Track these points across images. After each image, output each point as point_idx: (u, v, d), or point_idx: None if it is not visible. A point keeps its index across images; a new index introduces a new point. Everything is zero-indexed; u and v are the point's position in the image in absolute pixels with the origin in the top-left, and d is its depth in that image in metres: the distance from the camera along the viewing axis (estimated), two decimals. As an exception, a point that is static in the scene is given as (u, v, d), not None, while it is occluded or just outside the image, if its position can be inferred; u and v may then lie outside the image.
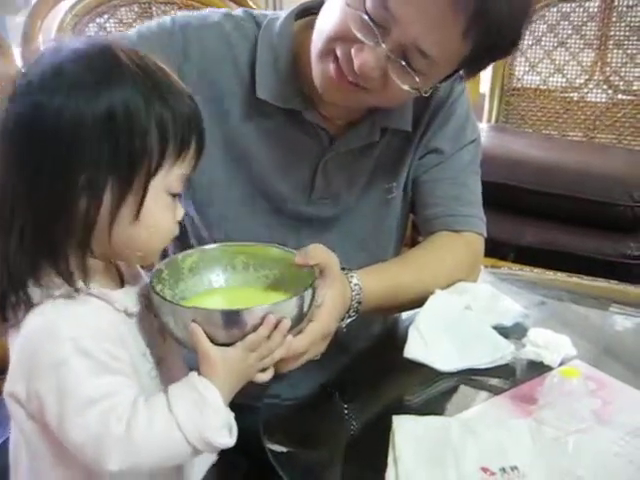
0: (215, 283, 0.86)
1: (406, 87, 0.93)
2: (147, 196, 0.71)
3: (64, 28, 1.76)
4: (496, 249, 1.44)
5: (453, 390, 0.95)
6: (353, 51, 0.91)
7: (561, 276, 1.60)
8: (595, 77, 2.62)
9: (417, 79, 0.92)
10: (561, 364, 0.96)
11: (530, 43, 2.67)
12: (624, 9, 2.57)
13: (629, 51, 2.57)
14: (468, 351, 0.97)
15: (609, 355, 1.06)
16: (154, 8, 1.93)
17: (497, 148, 2.29)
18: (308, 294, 0.77)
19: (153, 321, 0.78)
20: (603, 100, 2.62)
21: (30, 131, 0.68)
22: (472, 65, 0.97)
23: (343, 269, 0.94)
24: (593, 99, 2.63)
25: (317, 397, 0.95)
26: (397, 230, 1.20)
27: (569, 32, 2.64)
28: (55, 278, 0.70)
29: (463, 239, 1.14)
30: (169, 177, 0.72)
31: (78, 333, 0.68)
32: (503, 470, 0.75)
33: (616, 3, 2.57)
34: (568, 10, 2.63)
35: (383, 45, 0.89)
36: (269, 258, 0.86)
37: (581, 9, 2.62)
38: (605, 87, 2.61)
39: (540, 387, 0.87)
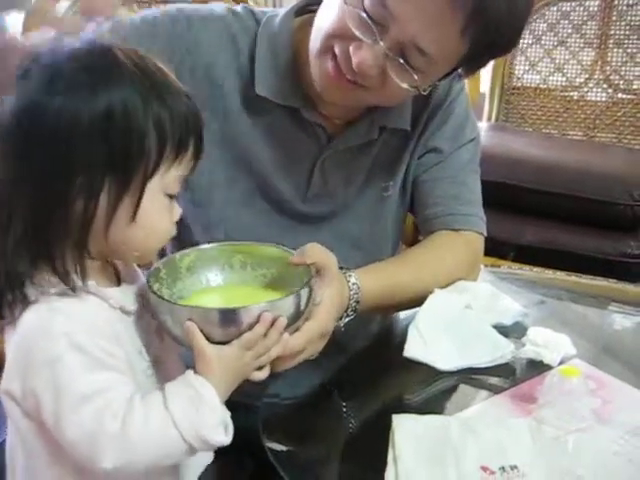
0: (213, 282, 0.86)
1: (405, 85, 0.93)
2: (144, 197, 0.70)
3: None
4: (496, 248, 1.44)
5: (453, 389, 0.95)
6: (351, 49, 0.91)
7: (560, 275, 1.60)
8: (595, 76, 2.62)
9: (416, 77, 0.92)
10: (561, 363, 0.96)
11: (530, 42, 2.67)
12: (624, 8, 2.57)
13: (629, 50, 2.57)
14: (468, 350, 0.97)
15: (608, 354, 1.05)
16: (153, 7, 1.93)
17: (497, 147, 2.29)
18: (304, 292, 0.77)
19: (150, 320, 0.78)
20: (603, 99, 2.62)
21: (28, 131, 0.68)
22: (471, 63, 0.97)
23: (341, 268, 0.94)
24: (593, 98, 2.63)
25: (317, 396, 0.95)
26: (393, 229, 1.20)
27: (569, 31, 2.64)
28: (51, 277, 0.70)
29: (463, 238, 1.14)
30: (166, 178, 0.72)
31: (72, 328, 0.68)
32: (503, 469, 0.75)
33: (616, 2, 2.58)
34: (568, 9, 2.63)
35: (381, 43, 0.89)
36: (266, 257, 0.86)
37: (581, 8, 2.62)
38: (605, 86, 2.61)
39: (540, 386, 0.87)
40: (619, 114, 2.59)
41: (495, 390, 0.92)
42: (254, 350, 0.73)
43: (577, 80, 2.64)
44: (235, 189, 1.07)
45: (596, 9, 2.60)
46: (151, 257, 0.79)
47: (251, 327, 0.72)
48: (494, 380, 0.95)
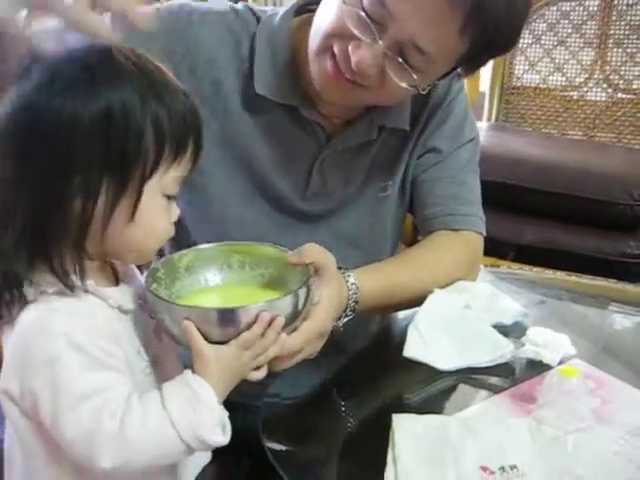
0: (211, 282, 0.86)
1: (404, 84, 0.93)
2: (142, 198, 0.70)
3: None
4: (495, 248, 1.44)
5: (452, 389, 0.94)
6: (350, 48, 0.91)
7: (560, 275, 1.61)
8: (595, 76, 2.62)
9: (415, 76, 0.92)
10: (560, 363, 0.95)
11: (530, 42, 2.67)
12: (624, 8, 2.57)
13: (629, 50, 2.58)
14: (467, 350, 0.97)
15: (608, 354, 1.05)
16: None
17: (497, 147, 2.30)
18: (302, 292, 0.77)
19: (148, 320, 0.78)
20: (603, 99, 2.62)
21: (27, 131, 0.68)
22: (470, 62, 0.97)
23: (340, 268, 0.94)
24: (593, 98, 2.63)
25: (316, 396, 0.95)
26: (392, 229, 1.20)
27: (569, 31, 2.64)
28: (50, 276, 0.70)
29: (462, 238, 1.14)
30: (165, 180, 0.72)
31: (71, 328, 0.68)
32: (502, 469, 0.75)
33: (616, 2, 2.58)
34: (568, 9, 2.63)
35: (380, 42, 0.89)
36: (265, 257, 0.86)
37: (581, 8, 2.62)
38: (605, 86, 2.61)
39: (539, 386, 0.87)
40: (619, 114, 2.59)
41: (495, 390, 0.92)
42: (252, 350, 0.73)
43: (577, 80, 2.64)
44: (235, 188, 1.07)
45: (596, 9, 2.60)
46: (149, 257, 0.79)
47: (249, 327, 0.72)
48: (494, 380, 0.95)
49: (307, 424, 0.89)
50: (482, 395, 0.92)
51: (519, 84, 2.71)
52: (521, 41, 2.63)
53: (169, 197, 0.74)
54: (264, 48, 1.03)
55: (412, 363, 0.96)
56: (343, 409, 0.93)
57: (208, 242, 0.88)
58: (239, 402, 0.76)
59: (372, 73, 0.92)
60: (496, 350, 0.97)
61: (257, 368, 0.76)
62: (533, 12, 2.60)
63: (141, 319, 0.77)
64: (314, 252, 0.85)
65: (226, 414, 0.71)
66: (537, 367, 0.95)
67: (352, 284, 0.96)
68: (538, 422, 0.82)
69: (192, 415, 0.68)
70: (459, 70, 1.00)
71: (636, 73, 2.57)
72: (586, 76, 2.63)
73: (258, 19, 1.06)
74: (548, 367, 0.94)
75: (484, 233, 1.17)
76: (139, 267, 0.83)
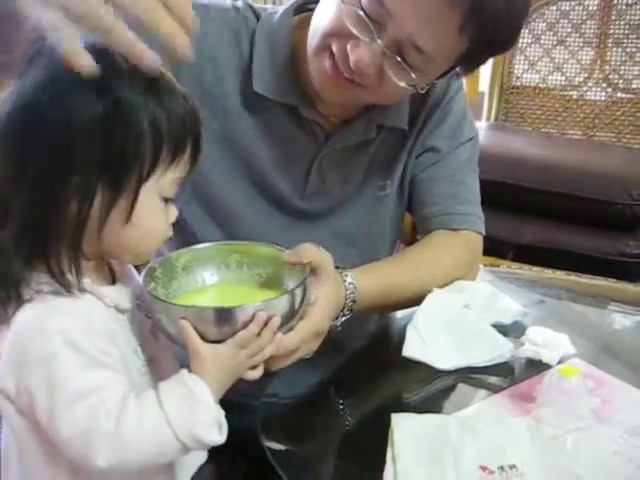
0: (209, 281, 0.85)
1: (402, 84, 0.92)
2: (139, 200, 0.70)
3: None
4: (495, 247, 1.44)
5: (452, 388, 0.94)
6: (349, 47, 0.90)
7: (560, 274, 1.61)
8: (594, 75, 2.62)
9: (413, 75, 0.92)
10: (560, 362, 0.95)
11: (529, 41, 2.67)
12: (623, 7, 2.57)
13: (628, 49, 2.58)
14: (467, 349, 0.97)
15: (608, 353, 1.05)
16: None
17: (496, 146, 2.30)
18: (299, 292, 0.77)
19: (145, 319, 0.78)
20: (602, 98, 2.62)
21: (25, 131, 0.68)
22: (469, 61, 0.97)
23: (337, 268, 0.94)
24: (592, 97, 2.63)
25: (315, 395, 0.95)
26: (390, 228, 1.20)
27: (568, 30, 2.64)
28: (46, 276, 0.70)
29: (461, 237, 1.14)
30: (162, 181, 0.72)
31: (67, 326, 0.68)
32: (502, 469, 0.75)
33: (615, 1, 2.58)
34: (567, 8, 2.63)
35: (379, 41, 0.89)
36: (262, 257, 0.86)
37: (580, 7, 2.62)
38: (604, 85, 2.61)
39: (539, 385, 0.87)
40: (618, 113, 2.59)
41: (494, 389, 0.91)
42: (248, 349, 0.73)
43: (576, 79, 2.64)
44: (235, 188, 1.07)
45: (595, 8, 2.60)
46: (147, 258, 0.79)
47: (245, 326, 0.72)
48: (493, 379, 0.95)
49: (306, 423, 0.88)
50: (481, 394, 0.92)
51: (518, 84, 2.71)
52: (520, 40, 2.63)
53: (166, 199, 0.74)
54: (263, 46, 1.03)
55: (411, 362, 0.95)
56: (342, 408, 0.93)
57: (208, 241, 0.88)
58: (237, 401, 0.76)
59: (371, 72, 0.91)
60: (495, 349, 0.97)
61: (253, 367, 0.76)
62: (532, 11, 2.60)
63: (138, 318, 0.77)
64: (311, 252, 0.85)
65: (222, 413, 0.71)
66: (536, 366, 0.94)
67: (350, 283, 0.96)
68: (537, 421, 0.82)
69: (188, 414, 0.68)
70: (458, 69, 0.99)
71: (635, 73, 2.57)
72: (585, 76, 2.63)
73: (258, 17, 1.05)
74: (547, 366, 0.94)
75: (483, 232, 1.17)
76: (137, 266, 0.83)
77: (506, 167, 2.17)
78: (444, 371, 0.94)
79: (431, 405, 0.90)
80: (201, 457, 0.83)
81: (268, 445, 0.81)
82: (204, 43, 1.01)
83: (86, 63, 0.63)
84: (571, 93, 2.66)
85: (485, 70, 2.64)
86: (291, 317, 0.77)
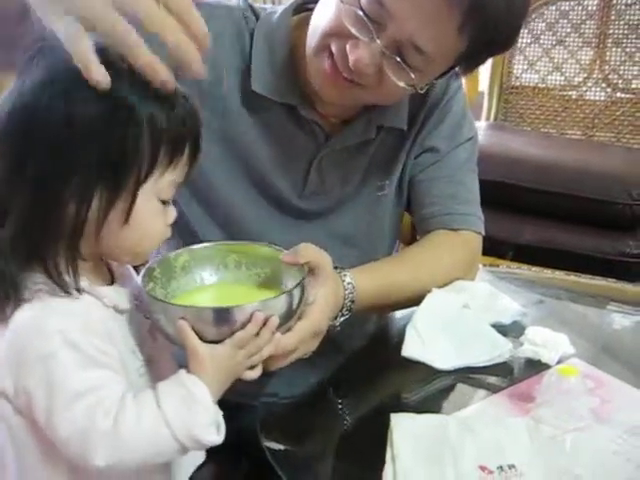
0: (207, 281, 0.85)
1: (402, 84, 0.92)
2: (137, 202, 0.70)
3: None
4: (494, 247, 1.44)
5: (451, 388, 0.94)
6: (348, 47, 0.90)
7: (559, 274, 1.61)
8: (594, 75, 2.62)
9: (413, 75, 0.92)
10: (559, 362, 0.95)
11: (529, 41, 2.67)
12: (623, 7, 2.57)
13: (628, 49, 2.58)
14: (466, 349, 0.97)
15: (607, 353, 1.05)
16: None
17: (495, 146, 2.30)
18: (297, 292, 0.77)
19: (143, 319, 0.78)
20: (602, 98, 2.62)
21: (25, 131, 0.68)
22: (469, 61, 0.97)
23: (336, 268, 0.94)
24: (592, 97, 2.63)
25: (314, 395, 0.95)
26: (389, 228, 1.20)
27: (568, 30, 2.64)
28: (44, 277, 0.70)
29: (460, 237, 1.14)
30: (160, 183, 0.71)
31: (66, 326, 0.68)
32: (501, 468, 0.75)
33: (615, 1, 2.58)
34: (567, 8, 2.63)
35: (378, 41, 0.89)
36: (261, 257, 0.86)
37: (580, 7, 2.62)
38: (604, 85, 2.61)
39: (538, 385, 0.87)
40: (618, 113, 2.59)
41: (493, 389, 0.91)
42: (246, 349, 0.73)
43: (576, 79, 2.64)
44: (235, 188, 1.07)
45: (595, 8, 2.60)
46: (145, 259, 0.79)
47: (244, 326, 0.72)
48: (492, 379, 0.95)
49: (305, 423, 0.89)
50: (480, 394, 0.92)
51: (518, 84, 2.70)
52: (520, 40, 2.63)
53: (164, 201, 0.74)
54: (262, 46, 1.03)
55: (410, 362, 0.95)
56: (341, 408, 0.93)
57: (208, 241, 0.88)
58: (235, 402, 0.76)
59: (370, 72, 0.91)
60: (494, 349, 0.97)
61: (252, 368, 0.76)
62: (532, 11, 2.60)
63: (136, 319, 0.77)
64: (309, 252, 0.85)
65: (220, 413, 0.71)
66: (536, 366, 0.94)
67: (348, 283, 0.96)
68: (536, 421, 0.82)
69: (186, 414, 0.68)
70: (457, 69, 0.99)
71: (635, 72, 2.57)
72: (585, 75, 2.63)
73: (257, 16, 1.05)
74: (547, 366, 0.94)
75: (482, 232, 1.17)
76: (135, 267, 0.83)
77: (505, 167, 2.17)
78: (443, 371, 0.94)
79: (430, 405, 0.90)
80: (199, 457, 0.83)
81: (267, 445, 0.81)
82: (217, 35, 1.00)
83: (101, 79, 0.63)
84: (570, 93, 2.66)
85: (484, 70, 2.64)
86: (289, 317, 0.77)
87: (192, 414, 0.68)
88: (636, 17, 2.56)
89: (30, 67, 0.69)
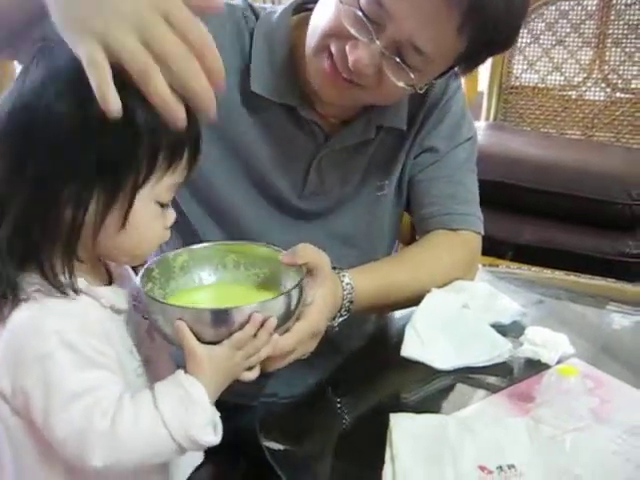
0: (206, 282, 0.85)
1: (401, 84, 0.92)
2: (135, 206, 0.70)
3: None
4: (494, 247, 1.44)
5: (450, 388, 0.94)
6: (347, 48, 0.90)
7: (559, 274, 1.60)
8: (593, 75, 2.62)
9: (412, 76, 0.92)
10: (559, 362, 0.95)
11: (528, 41, 2.67)
12: (622, 7, 2.57)
13: (627, 49, 2.57)
14: (465, 349, 0.96)
15: (607, 353, 1.05)
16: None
17: (495, 146, 2.29)
18: (295, 292, 0.77)
19: (141, 320, 0.78)
20: (601, 98, 2.62)
21: (24, 132, 0.68)
22: (468, 61, 0.97)
23: (334, 268, 0.94)
24: (591, 97, 2.63)
25: (314, 395, 0.95)
26: (389, 228, 1.20)
27: (567, 30, 2.64)
28: (40, 278, 0.70)
29: (460, 237, 1.14)
30: (158, 188, 0.71)
31: (63, 327, 0.68)
32: (500, 468, 0.75)
33: (614, 1, 2.58)
34: (566, 8, 2.63)
35: (377, 41, 0.89)
36: (260, 257, 0.86)
37: (579, 7, 2.62)
38: (603, 85, 2.61)
39: (538, 385, 0.87)
40: (617, 113, 2.59)
41: (493, 389, 0.91)
42: (244, 350, 0.73)
43: (575, 79, 2.64)
44: (235, 188, 1.07)
45: (594, 8, 2.60)
46: (143, 260, 0.79)
47: (242, 327, 0.72)
48: (492, 379, 0.95)
49: (304, 423, 0.88)
50: (480, 394, 0.92)
51: (517, 84, 2.70)
52: (519, 40, 2.63)
53: (162, 205, 0.73)
54: (261, 46, 1.03)
55: (409, 362, 0.95)
56: (340, 408, 0.93)
57: (208, 241, 0.88)
58: (234, 402, 0.76)
59: (369, 73, 0.91)
60: (494, 349, 0.97)
61: (250, 368, 0.76)
62: (531, 11, 2.60)
63: (134, 319, 0.77)
64: (308, 252, 0.85)
65: (217, 414, 0.71)
66: (535, 366, 0.94)
67: (347, 284, 0.95)
68: (536, 421, 0.82)
69: (184, 415, 0.68)
70: (456, 69, 0.99)
71: (634, 72, 2.57)
72: (585, 75, 2.63)
73: (257, 16, 1.05)
74: (546, 366, 0.94)
75: (482, 232, 1.17)
76: (134, 267, 0.83)
77: (505, 167, 2.17)
78: (443, 371, 0.94)
79: (430, 405, 0.90)
80: (197, 458, 0.83)
81: (267, 445, 0.81)
82: (219, 32, 1.00)
83: (114, 108, 0.63)
84: (570, 93, 2.66)
85: (484, 70, 2.64)
86: (287, 318, 0.77)
87: (189, 415, 0.68)
88: (636, 17, 2.56)
89: (31, 67, 0.69)
